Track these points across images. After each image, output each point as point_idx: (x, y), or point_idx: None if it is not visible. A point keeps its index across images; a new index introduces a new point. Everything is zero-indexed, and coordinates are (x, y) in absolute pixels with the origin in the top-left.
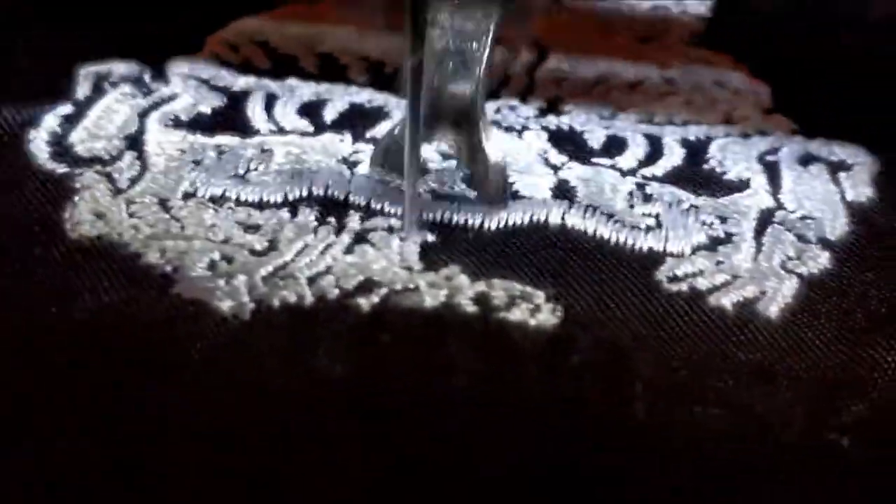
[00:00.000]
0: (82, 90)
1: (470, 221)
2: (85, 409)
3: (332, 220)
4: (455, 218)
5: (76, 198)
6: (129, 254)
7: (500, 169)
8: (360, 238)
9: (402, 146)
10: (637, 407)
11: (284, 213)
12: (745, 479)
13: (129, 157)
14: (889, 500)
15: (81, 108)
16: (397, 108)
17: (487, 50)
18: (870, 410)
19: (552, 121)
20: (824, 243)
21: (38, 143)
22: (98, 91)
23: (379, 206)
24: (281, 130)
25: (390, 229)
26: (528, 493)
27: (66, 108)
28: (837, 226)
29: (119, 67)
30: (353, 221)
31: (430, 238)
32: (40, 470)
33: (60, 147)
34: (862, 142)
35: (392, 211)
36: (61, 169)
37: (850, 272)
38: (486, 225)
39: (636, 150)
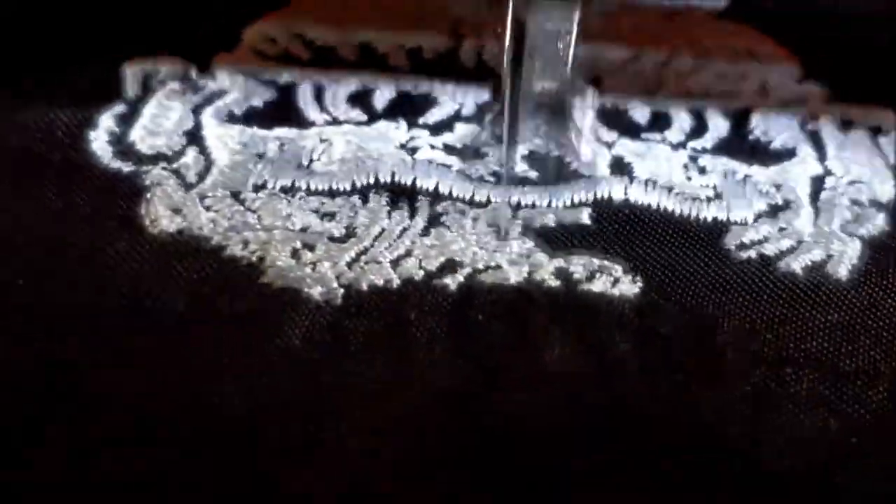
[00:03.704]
0: (132, 89)
1: (538, 202)
2: (180, 399)
3: (403, 204)
4: (523, 199)
5: (148, 194)
6: (211, 247)
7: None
8: (435, 221)
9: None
10: (730, 375)
11: (356, 200)
12: (837, 436)
13: (192, 152)
14: None
15: (135, 107)
16: (443, 94)
17: (572, 48)
18: None
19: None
20: (878, 206)
21: (100, 142)
22: (147, 89)
23: (446, 191)
24: (335, 121)
25: (461, 212)
26: (634, 452)
27: (120, 108)
28: (886, 189)
29: (164, 65)
30: (424, 205)
31: (503, 219)
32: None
33: (122, 146)
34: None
35: (459, 194)
36: (127, 167)
37: None
38: (553, 204)
39: (682, 123)
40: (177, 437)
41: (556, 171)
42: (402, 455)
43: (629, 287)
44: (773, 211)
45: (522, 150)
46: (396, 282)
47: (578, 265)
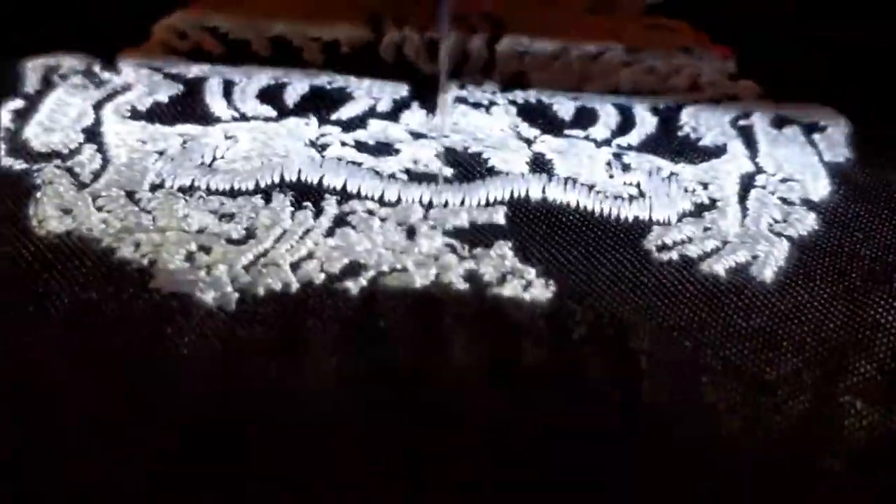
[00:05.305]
0: (31, 84)
1: (451, 200)
2: (67, 409)
3: (308, 204)
4: (435, 198)
5: (38, 194)
6: (101, 249)
7: None
8: (340, 221)
9: None
10: (644, 384)
11: (258, 200)
12: (758, 450)
13: (88, 150)
14: None
15: (32, 102)
16: (359, 89)
17: None
18: (878, 371)
19: (519, 95)
20: (809, 205)
21: None
22: (47, 84)
23: (355, 189)
24: (243, 117)
25: (370, 211)
26: (533, 466)
27: (17, 103)
28: (819, 187)
29: (67, 60)
30: (330, 205)
31: (413, 218)
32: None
33: (15, 143)
34: (829, 103)
35: (369, 193)
36: (19, 165)
37: (839, 232)
38: (467, 202)
39: (608, 120)
40: (60, 438)
41: (471, 169)
42: (304, 471)
43: (542, 291)
44: (699, 210)
45: (438, 147)
46: (295, 286)
47: (489, 267)
